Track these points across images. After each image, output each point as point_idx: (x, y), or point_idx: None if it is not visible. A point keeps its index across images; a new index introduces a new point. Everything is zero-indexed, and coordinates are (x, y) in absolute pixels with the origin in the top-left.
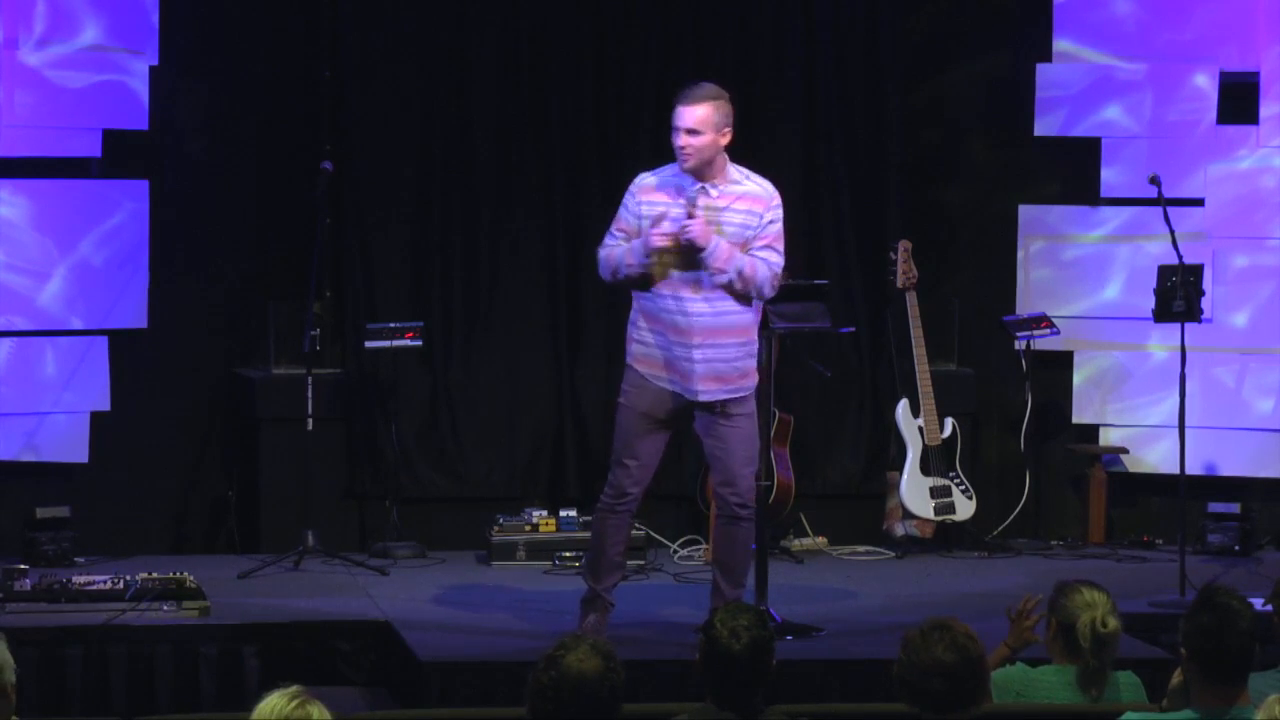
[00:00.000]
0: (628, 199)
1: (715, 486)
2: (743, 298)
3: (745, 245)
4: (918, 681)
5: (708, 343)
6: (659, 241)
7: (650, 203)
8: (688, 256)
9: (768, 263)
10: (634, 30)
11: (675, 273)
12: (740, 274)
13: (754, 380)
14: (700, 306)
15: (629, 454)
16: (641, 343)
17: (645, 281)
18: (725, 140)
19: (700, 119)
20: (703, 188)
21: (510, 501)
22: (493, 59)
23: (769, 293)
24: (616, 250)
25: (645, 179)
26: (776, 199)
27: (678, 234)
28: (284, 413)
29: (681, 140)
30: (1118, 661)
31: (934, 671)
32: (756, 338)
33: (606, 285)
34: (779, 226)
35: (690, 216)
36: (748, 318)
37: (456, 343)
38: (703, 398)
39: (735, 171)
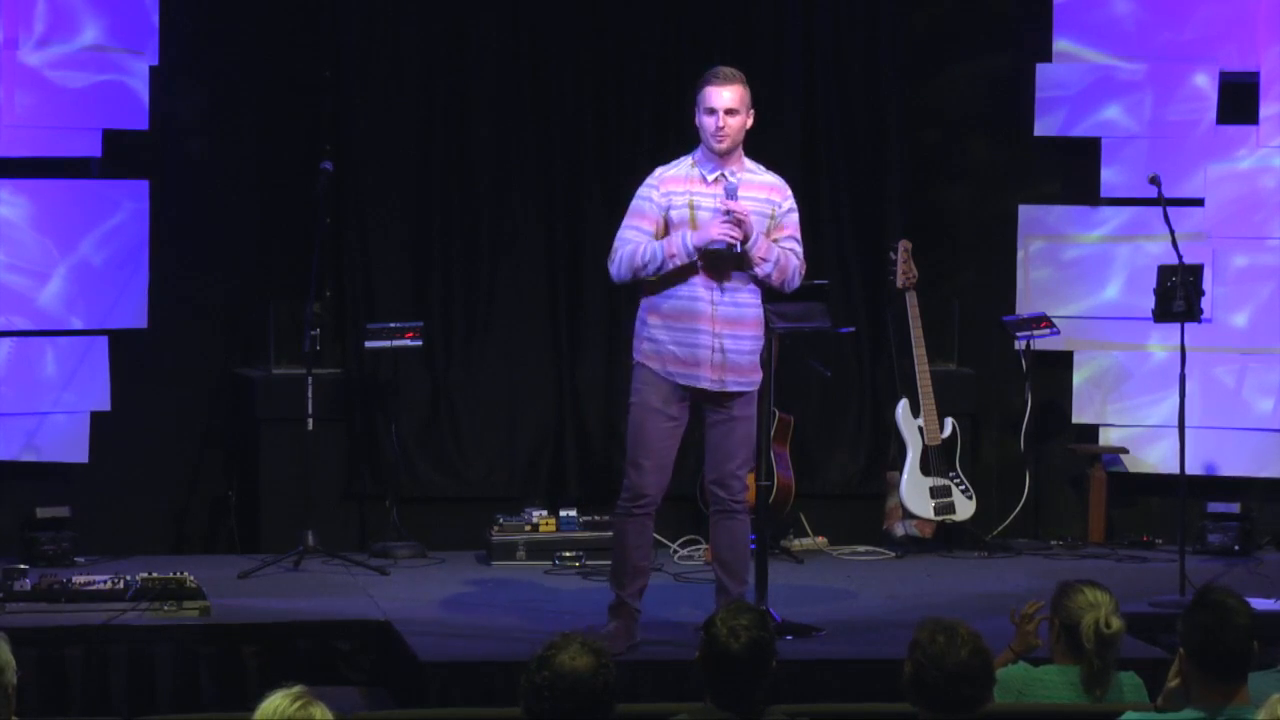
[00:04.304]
0: (649, 191)
1: (707, 483)
2: (764, 289)
3: (766, 231)
4: (939, 684)
5: (727, 333)
6: (727, 233)
7: (675, 193)
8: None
9: (796, 254)
10: (633, 31)
11: (703, 263)
12: (777, 264)
13: (760, 375)
14: (721, 296)
15: (643, 453)
16: (651, 340)
17: (681, 272)
18: (750, 122)
19: (739, 98)
20: (722, 174)
21: (510, 501)
22: (492, 59)
23: (797, 283)
24: (646, 246)
25: (664, 171)
26: (789, 190)
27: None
28: (284, 413)
29: (721, 120)
30: (1118, 662)
31: (960, 675)
32: (763, 334)
33: (608, 285)
34: (797, 217)
35: (727, 208)
36: (760, 312)
37: (456, 343)
38: (717, 387)
39: (749, 161)
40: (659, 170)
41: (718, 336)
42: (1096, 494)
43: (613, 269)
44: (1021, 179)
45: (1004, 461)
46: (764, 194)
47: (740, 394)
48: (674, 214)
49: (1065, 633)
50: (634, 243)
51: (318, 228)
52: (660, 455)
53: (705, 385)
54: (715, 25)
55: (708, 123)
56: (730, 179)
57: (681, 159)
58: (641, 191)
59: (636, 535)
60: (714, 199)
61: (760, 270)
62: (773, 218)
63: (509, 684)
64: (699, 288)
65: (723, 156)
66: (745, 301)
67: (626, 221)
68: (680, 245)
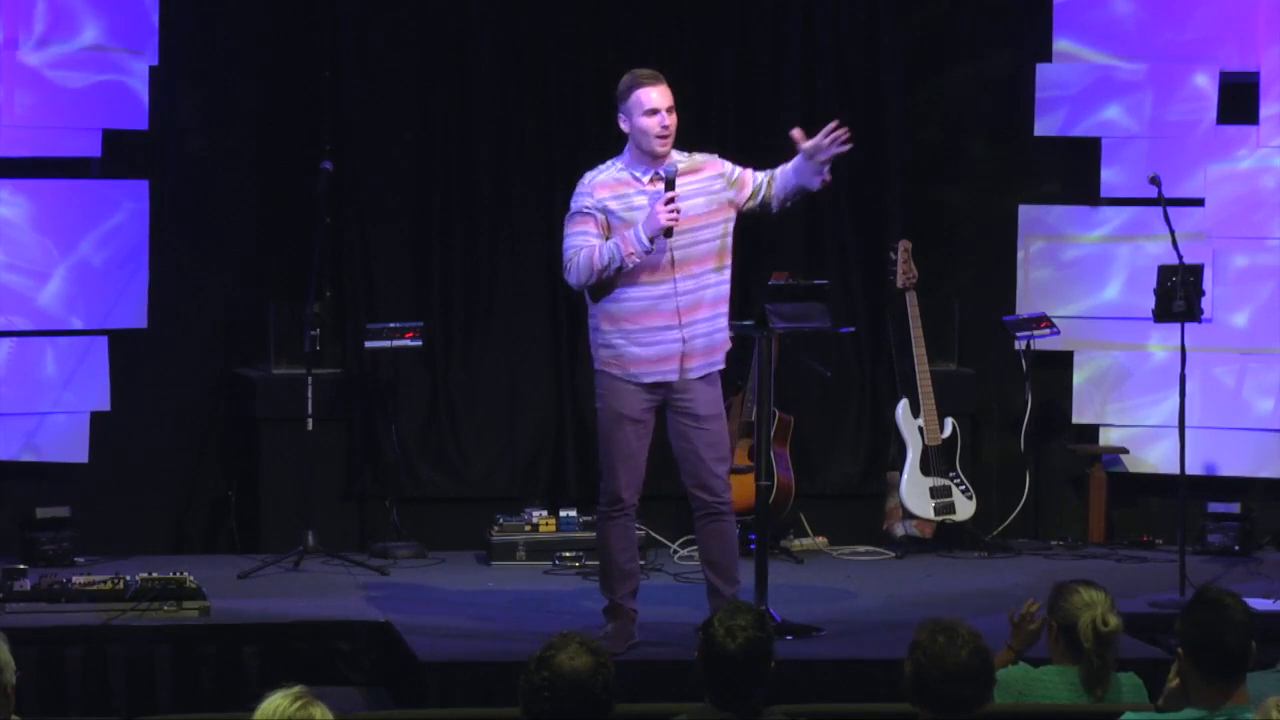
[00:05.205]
0: (583, 200)
1: (688, 488)
2: (724, 266)
3: (726, 204)
4: (940, 685)
5: (688, 320)
6: (669, 219)
7: (607, 199)
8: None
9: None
10: (634, 31)
11: (659, 255)
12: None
13: (723, 351)
14: (687, 285)
15: (615, 458)
16: (608, 345)
17: (632, 272)
18: None
19: (672, 97)
20: (656, 173)
21: (510, 501)
22: (493, 59)
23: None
24: (601, 247)
25: (593, 177)
26: (720, 158)
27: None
28: (284, 413)
29: (666, 119)
30: (1118, 662)
31: (960, 675)
32: (726, 311)
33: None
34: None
35: (669, 195)
36: (719, 291)
37: (456, 343)
38: (678, 376)
39: (674, 152)
40: (588, 176)
41: (684, 327)
42: (1096, 494)
43: (571, 278)
44: (1021, 179)
45: (1004, 461)
46: (703, 173)
47: (701, 385)
48: (613, 219)
49: (1063, 633)
50: (588, 247)
51: (318, 228)
52: (632, 458)
53: (672, 378)
54: (716, 26)
55: (650, 123)
56: (663, 174)
57: (608, 164)
58: (576, 202)
59: (619, 538)
60: (646, 195)
61: (825, 172)
62: (729, 186)
63: (509, 684)
64: (660, 284)
65: (660, 157)
66: (707, 283)
67: (571, 230)
68: (635, 241)
